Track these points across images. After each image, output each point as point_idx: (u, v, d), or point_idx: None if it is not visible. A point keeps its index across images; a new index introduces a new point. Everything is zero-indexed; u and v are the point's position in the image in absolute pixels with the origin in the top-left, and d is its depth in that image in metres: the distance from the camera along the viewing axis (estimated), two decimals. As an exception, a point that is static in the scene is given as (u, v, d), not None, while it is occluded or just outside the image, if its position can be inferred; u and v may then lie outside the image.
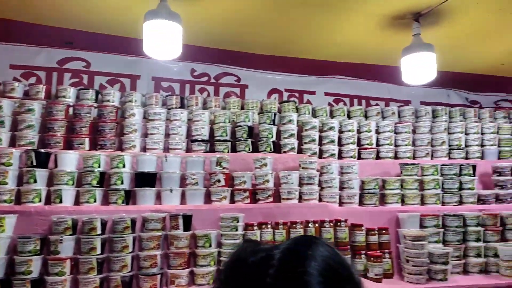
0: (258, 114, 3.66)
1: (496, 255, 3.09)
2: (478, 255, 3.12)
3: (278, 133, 3.58)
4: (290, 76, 4.37)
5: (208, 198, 3.00)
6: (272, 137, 3.48)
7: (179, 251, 2.58)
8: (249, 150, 3.42)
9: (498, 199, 3.51)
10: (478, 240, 3.15)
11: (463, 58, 3.76)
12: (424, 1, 2.67)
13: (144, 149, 3.23)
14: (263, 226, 2.82)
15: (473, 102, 4.74)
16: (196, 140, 3.34)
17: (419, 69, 2.73)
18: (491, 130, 3.95)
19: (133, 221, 2.57)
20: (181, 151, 3.27)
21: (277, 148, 3.52)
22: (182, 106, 3.62)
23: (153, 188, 2.86)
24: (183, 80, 4.04)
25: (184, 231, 2.62)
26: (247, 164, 3.23)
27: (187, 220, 2.65)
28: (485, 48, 3.51)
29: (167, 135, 3.35)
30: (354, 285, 0.92)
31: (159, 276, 2.51)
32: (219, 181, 2.97)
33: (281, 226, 2.84)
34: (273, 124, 3.55)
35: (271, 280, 0.85)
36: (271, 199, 3.05)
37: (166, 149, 3.31)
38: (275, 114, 3.59)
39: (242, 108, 3.81)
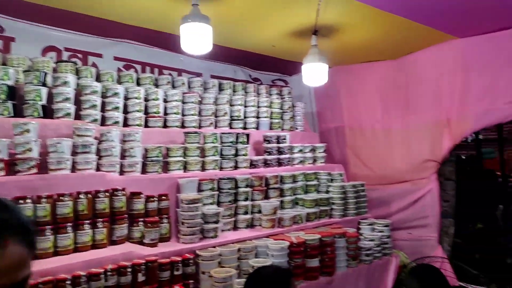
0: (24, 72, 3.12)
1: (260, 211, 3.60)
2: (246, 213, 3.57)
3: (50, 96, 3.14)
4: (72, 34, 3.87)
5: None
6: (41, 100, 3.03)
7: None
8: (10, 114, 2.89)
9: (266, 163, 4.08)
10: (246, 199, 3.60)
11: (241, 36, 4.12)
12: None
13: None
14: (21, 201, 2.44)
15: (255, 79, 5.32)
16: None
17: (196, 39, 2.83)
18: (265, 104, 4.53)
19: None
20: None
21: (49, 113, 3.10)
22: None
23: None
24: None
25: None
26: (6, 131, 2.72)
27: None
28: (258, 29, 3.92)
29: None
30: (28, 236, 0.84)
31: None
32: (-43, 150, 2.40)
33: (44, 200, 2.52)
34: (44, 85, 3.09)
35: None
36: (35, 170, 2.67)
37: None
38: (45, 74, 3.12)
39: (4, 65, 3.18)
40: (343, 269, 3.49)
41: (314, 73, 3.74)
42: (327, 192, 4.16)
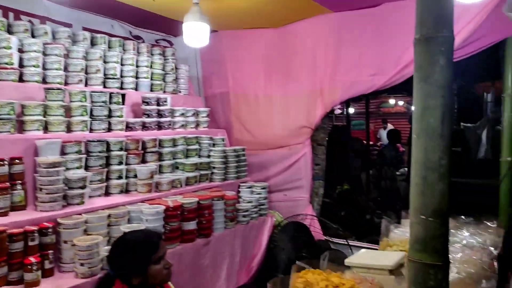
0: None
1: (135, 176, 3.41)
2: (120, 177, 3.35)
3: None
4: None
5: None
6: None
7: None
8: None
9: (144, 126, 3.86)
10: (120, 163, 3.37)
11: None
12: None
13: None
14: None
15: (137, 37, 4.89)
16: None
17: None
18: (145, 64, 4.23)
19: None
20: None
21: None
22: None
23: None
24: None
25: None
26: None
27: None
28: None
29: None
30: None
31: None
32: None
33: None
34: None
35: None
36: None
37: None
38: None
39: None
40: (220, 230, 3.56)
41: (195, 32, 3.58)
42: (209, 156, 4.15)
